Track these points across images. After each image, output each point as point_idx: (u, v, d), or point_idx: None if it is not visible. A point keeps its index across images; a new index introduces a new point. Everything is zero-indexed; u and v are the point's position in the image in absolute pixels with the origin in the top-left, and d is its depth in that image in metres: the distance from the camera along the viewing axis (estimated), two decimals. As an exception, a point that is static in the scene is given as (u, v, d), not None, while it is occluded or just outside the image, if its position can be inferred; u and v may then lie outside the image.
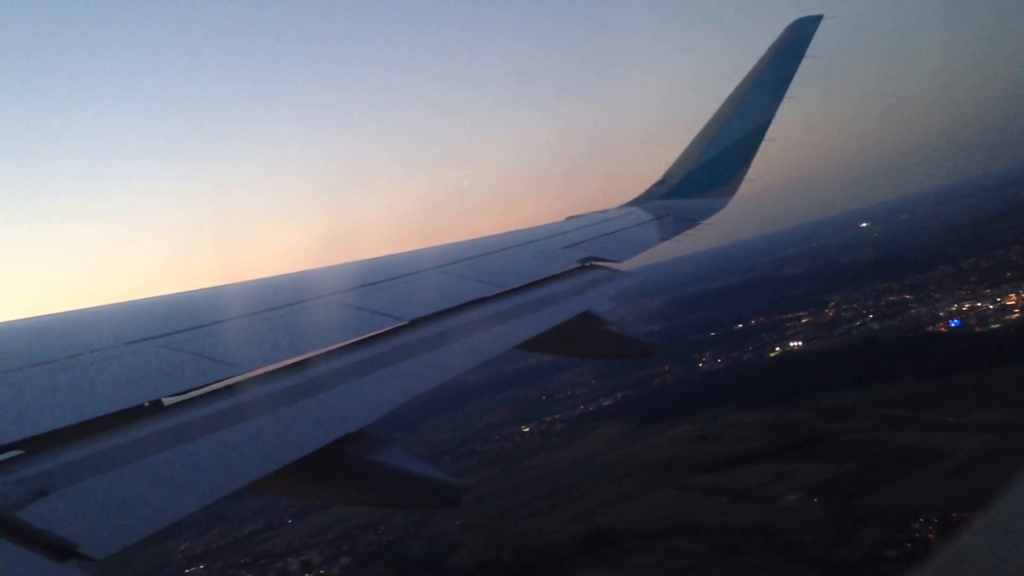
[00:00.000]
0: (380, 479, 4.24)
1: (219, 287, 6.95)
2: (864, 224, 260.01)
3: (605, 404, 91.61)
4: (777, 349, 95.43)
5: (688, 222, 11.11)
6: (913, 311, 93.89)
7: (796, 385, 71.94)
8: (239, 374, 4.47)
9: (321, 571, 58.30)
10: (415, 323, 5.77)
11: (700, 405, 75.75)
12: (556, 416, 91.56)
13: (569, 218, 11.19)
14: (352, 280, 6.77)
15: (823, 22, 12.88)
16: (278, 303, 6.01)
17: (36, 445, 3.43)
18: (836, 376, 70.19)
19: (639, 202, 12.36)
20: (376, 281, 6.82)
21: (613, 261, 8.55)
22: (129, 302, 6.21)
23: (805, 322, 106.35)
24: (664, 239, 10.23)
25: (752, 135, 12.40)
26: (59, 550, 2.76)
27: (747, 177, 12.38)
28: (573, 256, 8.44)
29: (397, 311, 5.89)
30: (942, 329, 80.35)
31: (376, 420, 4.33)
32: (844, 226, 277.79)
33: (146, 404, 3.99)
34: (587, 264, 8.30)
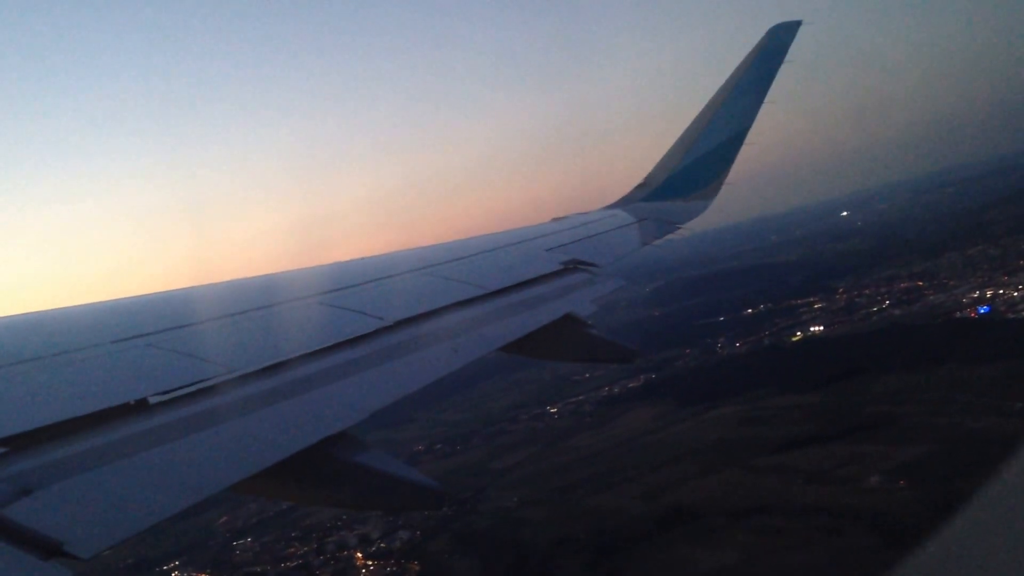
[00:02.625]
0: (362, 481, 4.28)
1: (205, 286, 6.98)
2: (844, 213, 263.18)
3: (631, 386, 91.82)
4: (799, 333, 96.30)
5: (669, 225, 11.39)
6: (931, 297, 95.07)
7: (834, 368, 72.63)
8: (224, 374, 4.52)
9: (382, 544, 58.13)
10: (399, 324, 5.83)
11: (735, 388, 76.20)
12: (580, 397, 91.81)
13: (553, 220, 11.35)
14: (336, 281, 6.81)
15: (802, 27, 13.13)
16: (263, 303, 6.08)
17: (21, 443, 3.43)
18: (875, 360, 70.99)
19: (621, 204, 12.53)
20: (360, 283, 6.87)
21: (596, 264, 8.66)
22: (115, 301, 6.24)
23: (818, 308, 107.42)
24: (645, 243, 10.52)
25: (732, 139, 12.61)
26: (45, 548, 2.79)
27: (727, 181, 12.60)
28: (556, 258, 8.54)
29: (381, 312, 5.95)
30: (972, 315, 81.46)
31: (359, 421, 4.39)
32: (823, 215, 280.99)
33: (131, 403, 4.02)
34: (570, 267, 8.38)
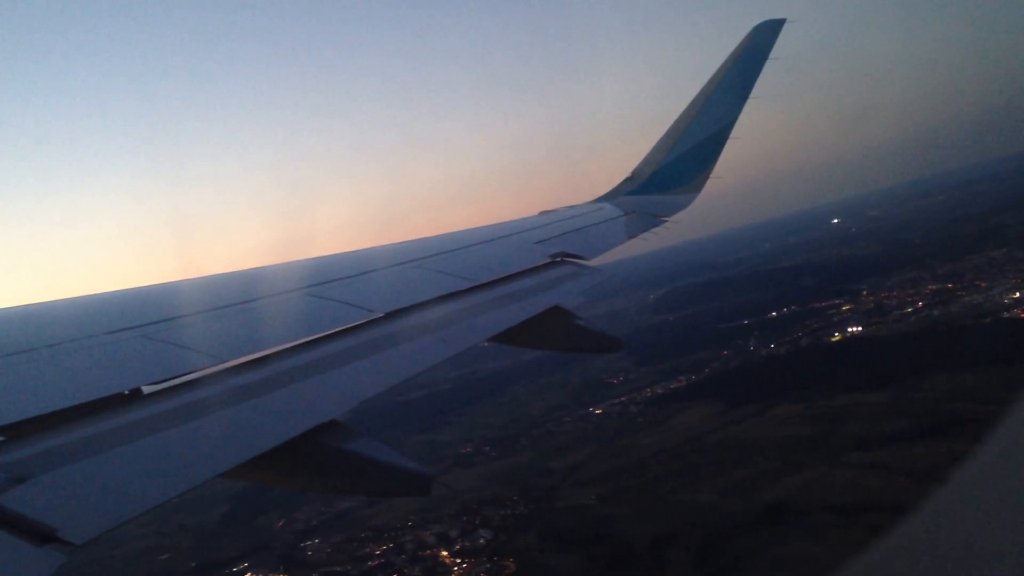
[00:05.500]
0: (354, 468, 4.39)
1: (197, 279, 7.09)
2: (835, 220, 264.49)
3: (673, 387, 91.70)
4: (836, 334, 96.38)
5: (656, 219, 11.61)
6: (965, 299, 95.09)
7: (891, 367, 72.56)
8: (217, 364, 4.64)
9: (466, 543, 57.43)
10: (389, 316, 6.00)
11: (787, 386, 75.77)
12: (623, 399, 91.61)
13: (541, 213, 11.60)
14: (327, 274, 6.95)
15: (786, 26, 13.40)
16: (255, 296, 6.21)
17: (16, 432, 3.52)
18: (933, 359, 70.93)
19: (609, 198, 12.84)
20: (350, 275, 7.01)
21: (583, 257, 8.86)
22: (109, 292, 6.35)
23: (847, 310, 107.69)
24: (632, 236, 10.63)
25: (717, 134, 12.92)
26: (39, 535, 2.84)
27: (712, 175, 12.89)
28: (544, 251, 8.75)
29: (372, 304, 6.12)
30: (1021, 315, 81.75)
31: (350, 410, 4.52)
32: (812, 222, 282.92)
33: (125, 392, 4.13)
34: (558, 259, 8.58)
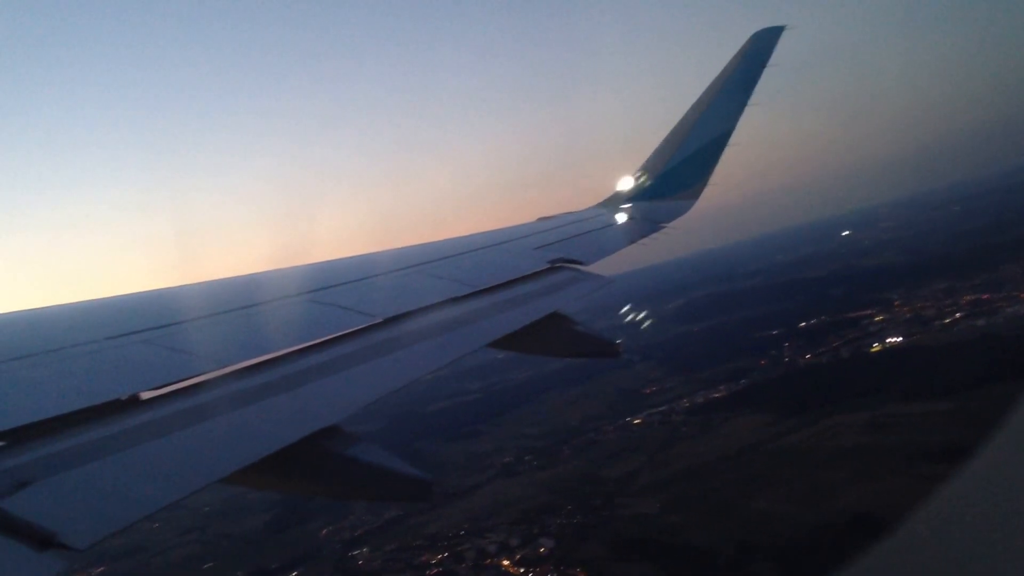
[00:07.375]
0: (354, 473, 4.34)
1: (197, 284, 7.08)
2: (846, 232, 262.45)
3: (714, 396, 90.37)
4: (876, 344, 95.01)
5: (654, 224, 11.69)
6: (1008, 309, 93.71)
7: (946, 377, 71.07)
8: (216, 369, 4.62)
9: (527, 551, 56.12)
10: (389, 321, 6.00)
11: (838, 396, 74.23)
12: (662, 408, 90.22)
13: (540, 219, 11.73)
14: (326, 279, 6.96)
15: (785, 33, 13.50)
16: (255, 300, 6.21)
17: (17, 437, 3.50)
18: (990, 369, 69.28)
19: (607, 204, 13.04)
20: (352, 280, 7.06)
21: (582, 262, 8.91)
22: (109, 298, 6.34)
23: (881, 320, 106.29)
24: (631, 242, 10.71)
25: (716, 141, 12.99)
26: (40, 539, 2.82)
27: (711, 182, 12.91)
28: (543, 257, 8.83)
29: (372, 309, 6.13)
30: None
31: (349, 415, 4.46)
32: (823, 233, 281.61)
33: (124, 398, 4.09)
34: (557, 265, 8.63)
